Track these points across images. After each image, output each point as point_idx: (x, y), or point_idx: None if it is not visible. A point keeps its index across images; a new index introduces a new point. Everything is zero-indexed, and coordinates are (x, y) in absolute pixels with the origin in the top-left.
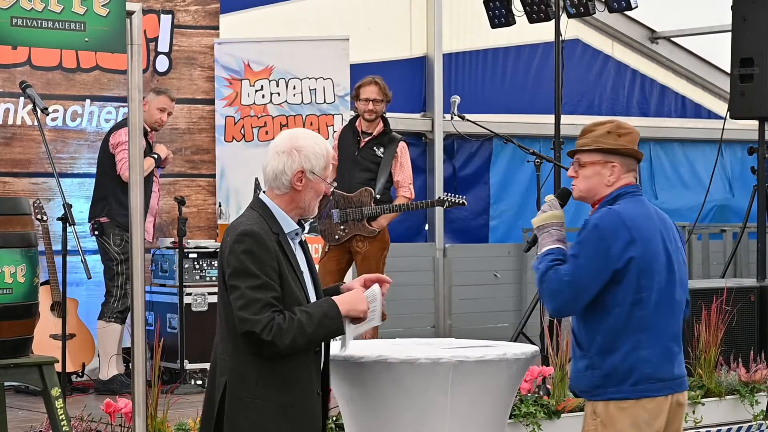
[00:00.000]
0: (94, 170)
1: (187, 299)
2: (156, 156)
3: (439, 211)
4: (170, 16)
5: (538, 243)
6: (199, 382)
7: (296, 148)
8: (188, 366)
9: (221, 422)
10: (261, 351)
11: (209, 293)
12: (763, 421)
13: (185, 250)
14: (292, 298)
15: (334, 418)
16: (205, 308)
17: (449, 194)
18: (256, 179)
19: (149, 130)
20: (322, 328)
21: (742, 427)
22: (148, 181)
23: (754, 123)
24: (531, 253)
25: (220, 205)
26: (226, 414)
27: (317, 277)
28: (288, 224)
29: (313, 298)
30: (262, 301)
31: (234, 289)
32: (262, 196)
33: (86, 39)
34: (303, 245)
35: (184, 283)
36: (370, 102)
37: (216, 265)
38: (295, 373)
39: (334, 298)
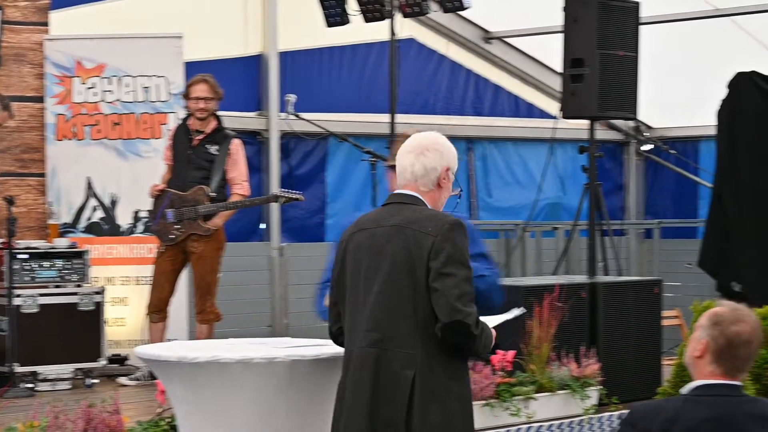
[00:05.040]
0: None
1: (17, 301)
2: None
3: (275, 210)
4: None
5: None
6: (30, 385)
7: (444, 146)
8: (18, 369)
9: (410, 415)
10: (461, 343)
11: (40, 295)
12: (594, 415)
13: (14, 251)
14: None
15: (169, 420)
16: (36, 310)
17: (285, 190)
18: (88, 178)
19: None
20: (489, 337)
21: (573, 420)
22: None
23: (585, 122)
24: None
25: (50, 205)
26: (417, 406)
27: None
28: None
29: None
30: (470, 295)
31: (448, 277)
32: (404, 191)
33: None
34: None
35: (14, 285)
36: (201, 101)
37: (47, 265)
38: (466, 365)
39: None
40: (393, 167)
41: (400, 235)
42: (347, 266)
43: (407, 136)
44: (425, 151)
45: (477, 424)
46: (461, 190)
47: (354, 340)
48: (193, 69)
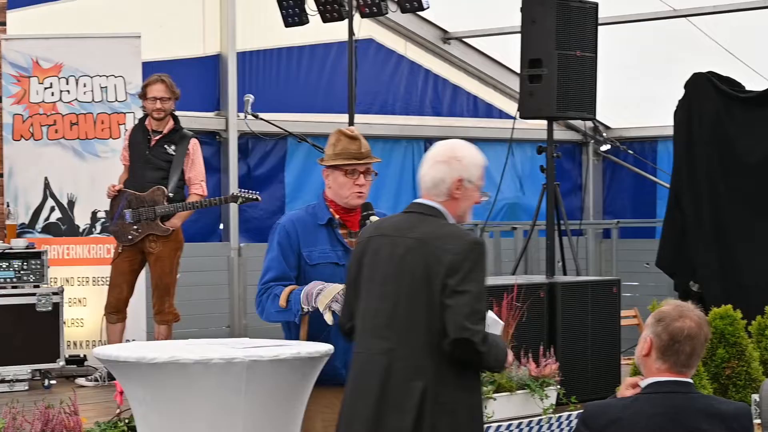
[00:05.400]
0: None
1: None
2: None
3: (233, 211)
4: None
5: None
6: None
7: (456, 157)
8: None
9: (419, 427)
10: (468, 359)
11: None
12: (553, 415)
13: None
14: None
15: (127, 421)
16: None
17: (243, 190)
18: (46, 178)
19: None
20: (502, 351)
21: (532, 420)
22: None
23: (543, 122)
24: None
25: (8, 205)
26: (427, 419)
27: None
28: None
29: None
30: (481, 313)
31: (461, 294)
32: (426, 201)
33: None
34: None
35: None
36: (158, 101)
37: (4, 266)
38: (478, 377)
39: None
40: (329, 167)
41: (421, 249)
42: (363, 269)
43: (343, 133)
44: (436, 163)
45: None
46: (489, 196)
47: (363, 344)
48: (151, 69)
